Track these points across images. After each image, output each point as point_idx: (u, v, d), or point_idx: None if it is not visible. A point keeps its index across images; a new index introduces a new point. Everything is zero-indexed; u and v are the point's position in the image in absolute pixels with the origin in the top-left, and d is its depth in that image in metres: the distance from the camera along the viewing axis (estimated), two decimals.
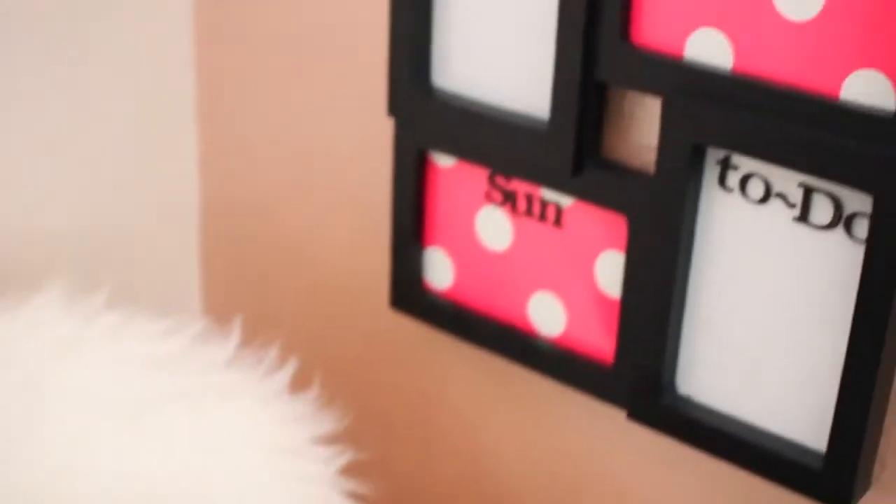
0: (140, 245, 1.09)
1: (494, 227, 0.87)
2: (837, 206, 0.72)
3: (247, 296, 1.10)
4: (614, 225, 0.81)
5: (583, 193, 0.81)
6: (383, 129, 0.92)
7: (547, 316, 0.87)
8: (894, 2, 0.67)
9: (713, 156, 0.75)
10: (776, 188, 0.74)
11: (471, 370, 0.95)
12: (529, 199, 0.85)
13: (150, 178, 1.08)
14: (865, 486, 0.75)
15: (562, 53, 0.78)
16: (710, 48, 0.74)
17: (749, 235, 0.76)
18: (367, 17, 0.92)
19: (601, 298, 0.84)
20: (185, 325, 0.90)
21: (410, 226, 0.91)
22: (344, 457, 0.87)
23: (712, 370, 0.80)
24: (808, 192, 0.73)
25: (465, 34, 0.84)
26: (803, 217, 0.73)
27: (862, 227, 0.71)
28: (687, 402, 0.81)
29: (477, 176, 0.87)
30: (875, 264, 0.70)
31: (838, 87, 0.70)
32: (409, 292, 0.93)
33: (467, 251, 0.90)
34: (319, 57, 0.97)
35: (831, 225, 0.72)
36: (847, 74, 0.69)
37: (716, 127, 0.73)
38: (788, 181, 0.73)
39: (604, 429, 0.89)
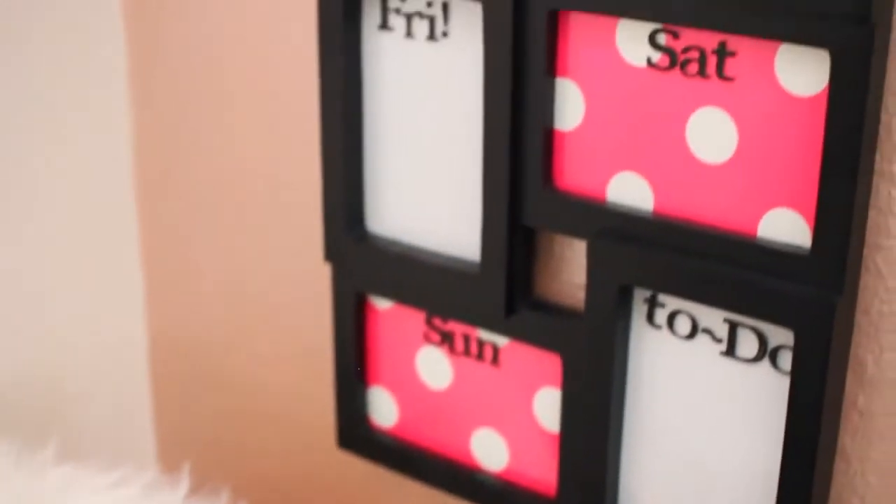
0: (90, 393, 1.10)
1: (434, 367, 0.89)
2: (762, 340, 0.74)
3: (198, 441, 1.11)
4: (550, 363, 0.83)
5: (517, 334, 0.83)
6: (322, 273, 0.94)
7: (490, 452, 0.89)
8: (801, 144, 0.69)
9: (640, 294, 0.77)
10: (702, 324, 0.76)
11: None
12: (466, 339, 0.87)
13: (96, 327, 1.09)
14: None
15: (488, 200, 0.80)
16: (630, 191, 0.76)
17: (679, 370, 0.78)
18: (303, 166, 0.94)
19: (541, 433, 0.86)
20: (135, 475, 0.91)
21: (353, 367, 0.92)
22: None
23: (653, 500, 0.81)
24: (733, 328, 0.75)
25: (397, 180, 0.86)
26: (730, 351, 0.75)
27: (787, 360, 0.73)
28: None
29: (415, 317, 0.89)
30: (800, 396, 0.71)
31: (755, 225, 0.72)
32: (355, 431, 0.94)
33: (410, 390, 0.91)
34: (258, 204, 0.99)
35: (757, 358, 0.74)
36: (763, 213, 0.72)
37: (640, 268, 0.75)
38: (714, 317, 0.75)
39: None
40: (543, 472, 0.86)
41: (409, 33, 0.82)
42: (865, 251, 0.71)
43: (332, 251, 0.89)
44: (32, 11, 0.98)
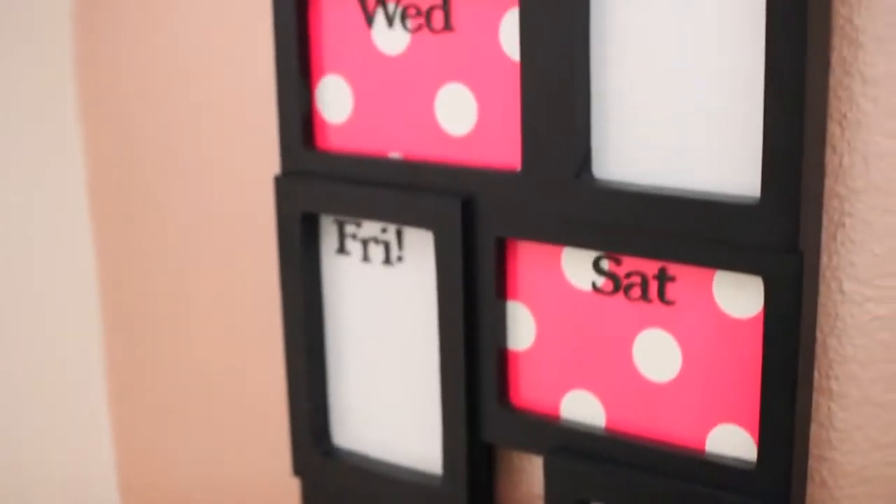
0: None
1: None
2: None
3: None
4: None
5: None
6: (291, 486, 0.96)
7: None
8: (742, 363, 0.72)
9: None
10: None
11: None
12: None
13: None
14: None
15: (447, 418, 0.82)
16: (583, 409, 0.79)
17: None
18: (269, 381, 0.96)
19: None
20: None
21: None
22: None
23: None
24: None
25: (361, 396, 0.89)
26: None
27: None
28: None
29: None
30: None
31: (703, 441, 0.75)
32: None
33: None
34: (225, 418, 1.01)
35: None
36: (710, 429, 0.74)
37: (594, 483, 0.77)
38: None
39: None
40: None
41: (365, 257, 0.85)
42: (810, 463, 0.74)
43: (300, 467, 0.91)
44: None
